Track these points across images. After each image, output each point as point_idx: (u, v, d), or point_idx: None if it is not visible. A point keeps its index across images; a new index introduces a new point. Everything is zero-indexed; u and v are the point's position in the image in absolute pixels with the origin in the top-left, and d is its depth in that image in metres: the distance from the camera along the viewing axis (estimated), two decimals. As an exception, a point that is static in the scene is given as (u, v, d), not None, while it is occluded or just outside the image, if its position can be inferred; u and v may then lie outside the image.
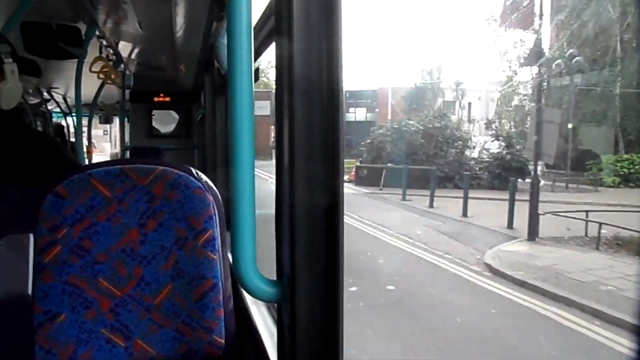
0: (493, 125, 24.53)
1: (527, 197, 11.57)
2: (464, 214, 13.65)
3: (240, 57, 0.85)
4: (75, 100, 3.19)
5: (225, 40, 2.13)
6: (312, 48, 0.81)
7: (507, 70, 26.34)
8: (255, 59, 0.90)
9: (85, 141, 4.76)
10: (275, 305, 1.05)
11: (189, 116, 4.81)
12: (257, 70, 1.08)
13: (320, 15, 0.81)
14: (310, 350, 0.85)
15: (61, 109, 8.25)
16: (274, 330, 1.19)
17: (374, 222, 12.55)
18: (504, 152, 19.44)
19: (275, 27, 0.90)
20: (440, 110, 25.85)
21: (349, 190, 18.73)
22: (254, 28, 0.89)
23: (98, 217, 1.02)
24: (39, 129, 7.46)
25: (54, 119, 9.06)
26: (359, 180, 20.86)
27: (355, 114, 32.97)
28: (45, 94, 6.32)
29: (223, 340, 1.04)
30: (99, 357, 1.01)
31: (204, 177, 1.06)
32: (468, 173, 17.11)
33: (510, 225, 11.96)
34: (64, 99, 7.18)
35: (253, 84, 0.87)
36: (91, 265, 1.01)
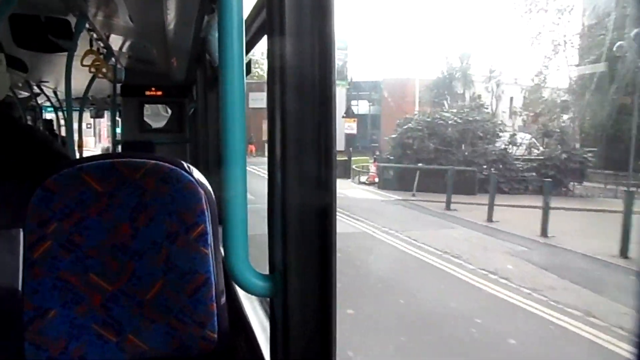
0: (540, 119, 20.49)
1: (587, 205, 9.63)
2: (544, 233, 10.36)
3: (231, 51, 0.85)
4: (66, 94, 3.17)
5: (217, 34, 2.12)
6: (304, 42, 0.81)
7: (539, 58, 22.15)
8: (247, 53, 0.89)
9: (76, 135, 4.72)
10: (268, 299, 1.05)
11: (181, 110, 4.79)
12: (248, 64, 1.07)
13: (312, 8, 0.80)
14: (303, 344, 0.85)
15: (51, 103, 8.17)
16: (267, 324, 1.19)
17: (432, 246, 9.56)
18: (559, 150, 16.06)
19: (267, 20, 0.89)
20: (476, 100, 22.60)
21: (373, 195, 16.53)
22: (245, 21, 0.88)
23: (88, 211, 1.01)
24: (29, 123, 7.39)
25: (45, 114, 8.99)
26: (383, 183, 17.64)
27: (358, 107, 30.70)
28: (35, 87, 6.26)
29: (216, 335, 1.04)
30: (90, 352, 1.01)
31: (196, 172, 1.05)
32: (549, 179, 13.24)
33: (624, 253, 8.28)
34: (55, 93, 7.12)
35: (245, 78, 0.86)
36: (82, 260, 1.01)
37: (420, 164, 17.02)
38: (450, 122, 18.21)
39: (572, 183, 15.67)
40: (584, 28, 19.28)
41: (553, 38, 20.73)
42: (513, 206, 12.61)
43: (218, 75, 0.91)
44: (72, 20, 2.60)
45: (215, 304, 1.04)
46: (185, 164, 1.05)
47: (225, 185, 0.86)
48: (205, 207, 1.03)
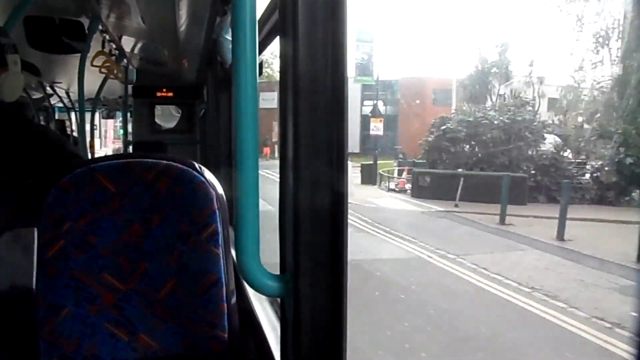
0: (595, 118, 17.83)
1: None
2: (641, 259, 8.18)
3: (244, 51, 0.85)
4: (78, 95, 3.20)
5: (228, 35, 2.13)
6: (316, 43, 0.81)
7: (579, 53, 19.97)
8: (260, 53, 0.89)
9: (88, 136, 4.77)
10: (279, 300, 1.05)
11: (191, 111, 4.82)
12: (260, 64, 1.08)
13: (325, 9, 0.80)
14: (313, 345, 0.85)
15: (64, 104, 8.25)
16: (277, 325, 1.19)
17: (510, 278, 7.59)
18: (622, 154, 13.90)
19: (279, 21, 0.89)
20: (519, 97, 19.64)
21: (409, 205, 14.62)
22: (258, 22, 0.88)
23: (102, 211, 1.02)
24: (42, 123, 7.47)
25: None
26: (418, 191, 15.58)
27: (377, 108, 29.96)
28: (48, 88, 6.32)
29: (226, 335, 1.04)
30: (102, 350, 1.01)
31: (207, 172, 1.06)
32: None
33: None
34: (67, 94, 7.19)
35: (257, 79, 0.87)
36: (95, 259, 1.02)
37: (460, 170, 15.34)
38: (496, 122, 16.35)
39: (637, 191, 13.80)
40: (627, 18, 17.25)
41: (595, 30, 18.34)
42: (578, 219, 10.55)
43: (230, 76, 0.92)
44: (85, 22, 2.62)
45: (225, 304, 1.04)
46: (197, 165, 1.05)
47: (237, 185, 0.87)
48: (216, 207, 1.03)
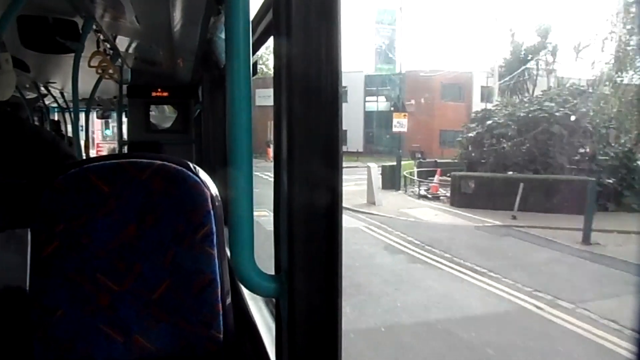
0: None
1: None
2: None
3: (238, 52, 0.85)
4: (73, 95, 3.18)
5: (223, 35, 2.13)
6: (310, 43, 0.81)
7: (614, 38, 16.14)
8: (253, 53, 0.89)
9: (82, 136, 4.75)
10: (274, 300, 1.05)
11: (186, 111, 4.81)
12: (254, 64, 1.08)
13: (319, 9, 0.81)
14: (309, 345, 0.85)
15: (58, 104, 8.22)
16: (272, 325, 1.19)
17: None
18: None
19: (273, 21, 0.89)
20: (571, 86, 16.63)
21: (452, 217, 11.93)
22: (252, 22, 0.88)
23: (95, 212, 1.01)
24: (36, 123, 7.44)
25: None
26: (461, 199, 13.02)
27: (377, 103, 28.09)
28: (42, 88, 6.30)
29: (221, 335, 1.04)
30: (97, 352, 1.01)
31: (202, 172, 1.06)
32: None
33: None
34: (62, 94, 7.16)
35: (251, 79, 0.87)
36: (89, 260, 1.01)
37: (510, 172, 12.98)
38: (558, 114, 13.64)
39: None
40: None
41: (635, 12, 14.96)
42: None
43: (224, 76, 0.92)
44: (80, 21, 2.61)
45: (220, 304, 1.04)
46: (191, 165, 1.05)
47: (231, 185, 0.87)
48: (211, 207, 1.03)
